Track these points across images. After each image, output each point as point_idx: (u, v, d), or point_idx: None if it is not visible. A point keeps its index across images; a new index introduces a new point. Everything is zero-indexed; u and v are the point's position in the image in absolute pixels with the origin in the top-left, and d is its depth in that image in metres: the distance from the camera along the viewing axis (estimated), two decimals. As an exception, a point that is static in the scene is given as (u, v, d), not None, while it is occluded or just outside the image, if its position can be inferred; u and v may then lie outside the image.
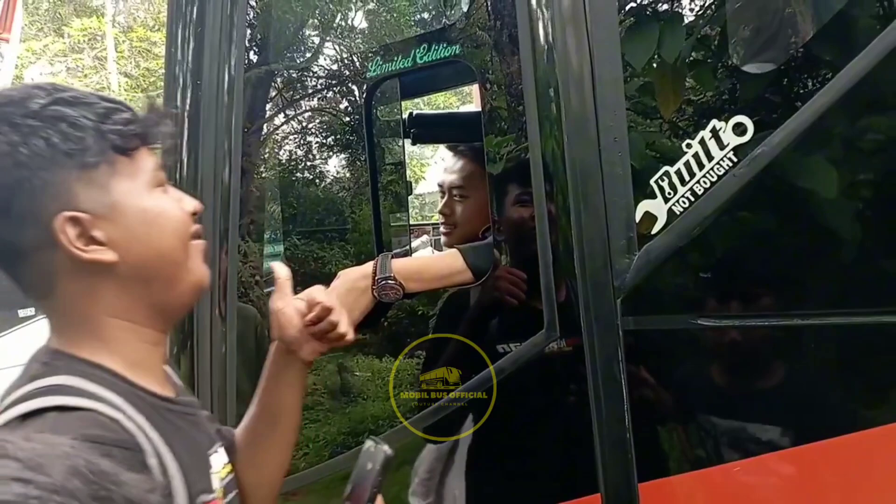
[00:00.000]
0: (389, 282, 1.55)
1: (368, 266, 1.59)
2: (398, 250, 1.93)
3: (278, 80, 1.88)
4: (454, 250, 1.58)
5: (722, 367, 1.31)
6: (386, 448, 1.01)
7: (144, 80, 17.30)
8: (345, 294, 1.60)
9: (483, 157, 1.93)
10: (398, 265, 1.57)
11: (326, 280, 1.67)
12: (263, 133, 1.94)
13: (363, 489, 0.98)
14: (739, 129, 1.21)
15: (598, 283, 1.32)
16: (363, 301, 1.58)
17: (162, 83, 1.96)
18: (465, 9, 1.53)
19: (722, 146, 1.22)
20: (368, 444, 1.02)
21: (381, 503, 1.02)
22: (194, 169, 1.81)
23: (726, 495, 1.30)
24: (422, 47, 1.54)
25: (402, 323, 1.67)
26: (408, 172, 2.07)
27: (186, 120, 1.84)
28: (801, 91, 1.23)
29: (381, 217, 1.75)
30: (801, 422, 1.26)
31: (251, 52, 1.84)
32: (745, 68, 1.26)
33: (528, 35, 1.39)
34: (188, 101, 1.83)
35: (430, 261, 1.67)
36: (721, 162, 1.22)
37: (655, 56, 1.31)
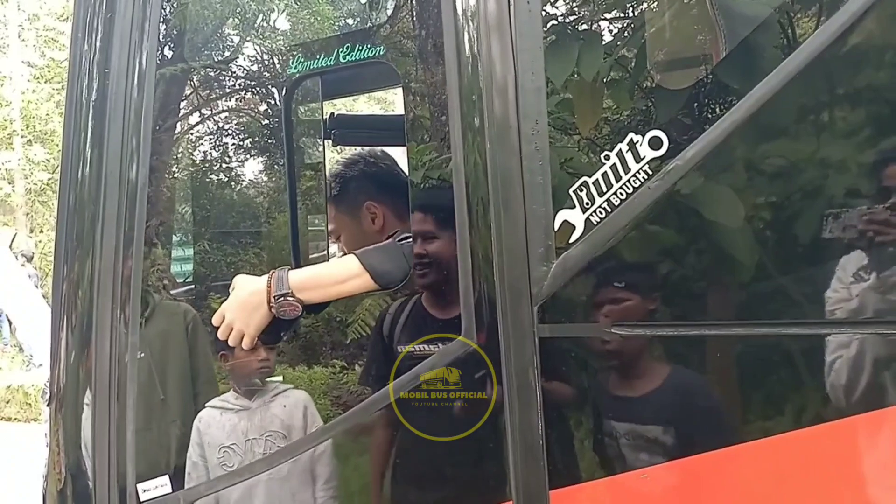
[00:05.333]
0: (288, 299, 1.49)
1: (263, 280, 1.53)
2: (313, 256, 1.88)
3: (193, 74, 1.80)
4: (351, 255, 1.54)
5: (635, 375, 1.34)
6: None
7: (49, 71, 16.39)
8: (237, 310, 1.53)
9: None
10: (294, 278, 1.51)
11: (238, 285, 1.60)
12: (176, 130, 1.86)
13: None
14: (655, 143, 1.24)
15: (515, 291, 1.33)
16: (257, 317, 1.52)
17: (66, 75, 1.84)
18: (389, 12, 1.51)
19: (638, 159, 1.25)
20: None
21: None
22: (98, 165, 1.71)
23: (637, 502, 1.33)
24: (345, 46, 1.51)
25: (315, 331, 1.63)
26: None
27: (91, 112, 1.74)
28: (713, 110, 1.27)
29: (297, 221, 1.70)
30: (711, 428, 1.29)
31: (165, 45, 1.76)
32: (662, 86, 1.29)
33: (453, 42, 1.39)
34: (94, 92, 1.73)
35: (324, 267, 1.60)
36: (637, 174, 1.25)
37: (574, 73, 1.33)
